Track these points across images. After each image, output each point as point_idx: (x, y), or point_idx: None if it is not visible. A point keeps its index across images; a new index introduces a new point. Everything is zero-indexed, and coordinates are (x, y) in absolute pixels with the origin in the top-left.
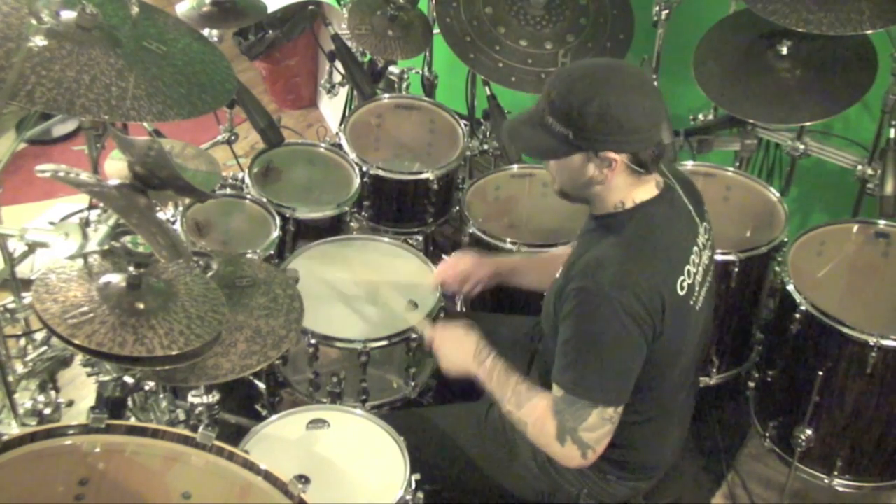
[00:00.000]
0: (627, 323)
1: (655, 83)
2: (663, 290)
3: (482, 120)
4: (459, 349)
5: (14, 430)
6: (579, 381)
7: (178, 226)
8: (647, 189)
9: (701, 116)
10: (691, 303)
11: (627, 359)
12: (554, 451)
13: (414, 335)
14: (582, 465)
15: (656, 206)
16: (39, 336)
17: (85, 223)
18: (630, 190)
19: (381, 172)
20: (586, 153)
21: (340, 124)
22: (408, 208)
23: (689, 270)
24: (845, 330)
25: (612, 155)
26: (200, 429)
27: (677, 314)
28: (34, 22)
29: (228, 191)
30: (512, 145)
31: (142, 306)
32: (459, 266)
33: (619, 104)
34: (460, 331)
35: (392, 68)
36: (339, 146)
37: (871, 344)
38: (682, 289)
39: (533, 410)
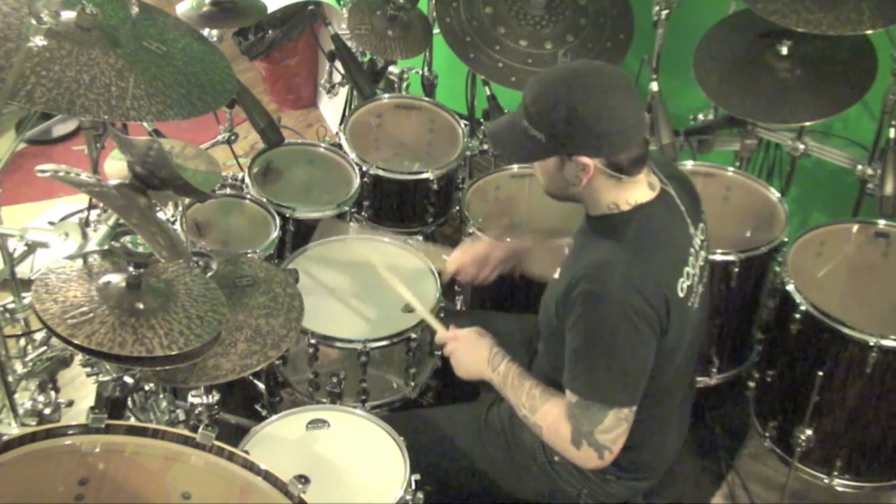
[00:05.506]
0: (638, 323)
1: (634, 85)
2: (667, 291)
3: (482, 120)
4: (473, 355)
5: (14, 430)
6: (593, 386)
7: (178, 226)
8: (639, 190)
9: (701, 116)
10: (689, 304)
11: (640, 359)
12: (570, 454)
13: (413, 335)
14: (599, 466)
15: (654, 209)
16: (39, 336)
17: (85, 223)
18: (619, 192)
19: (381, 172)
20: (560, 157)
21: (340, 124)
22: (408, 208)
23: (687, 272)
24: (845, 330)
25: (584, 160)
26: (200, 429)
27: (678, 315)
28: (34, 22)
29: (228, 191)
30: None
31: (142, 306)
32: (475, 249)
33: (586, 108)
34: (474, 336)
35: (392, 68)
36: (339, 146)
37: (871, 344)
38: (682, 290)
39: (547, 415)
